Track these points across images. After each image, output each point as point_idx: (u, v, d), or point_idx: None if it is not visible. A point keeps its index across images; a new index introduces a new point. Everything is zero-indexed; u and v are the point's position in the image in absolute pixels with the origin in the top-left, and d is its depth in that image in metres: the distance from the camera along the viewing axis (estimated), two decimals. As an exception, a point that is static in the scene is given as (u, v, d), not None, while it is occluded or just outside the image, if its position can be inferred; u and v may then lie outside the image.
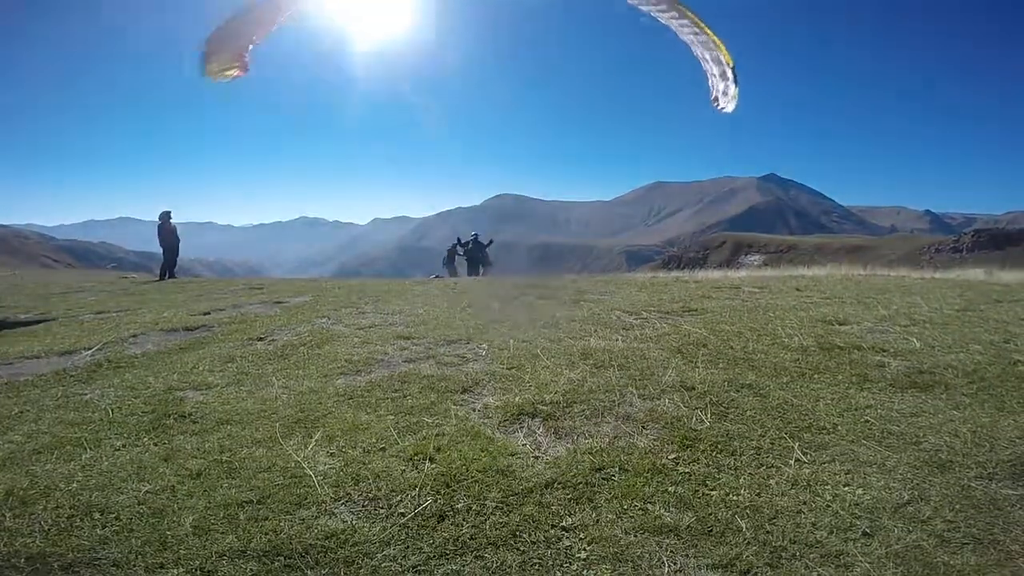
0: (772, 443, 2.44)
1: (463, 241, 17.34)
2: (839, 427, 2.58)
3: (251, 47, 3.19)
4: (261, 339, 4.42)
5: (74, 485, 2.18)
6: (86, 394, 3.20)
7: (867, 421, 2.64)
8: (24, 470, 2.31)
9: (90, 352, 4.15)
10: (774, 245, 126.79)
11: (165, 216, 14.93)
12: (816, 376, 3.25)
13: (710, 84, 4.70)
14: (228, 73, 3.08)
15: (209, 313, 5.80)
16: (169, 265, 14.38)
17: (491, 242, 17.16)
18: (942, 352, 3.62)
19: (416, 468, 2.26)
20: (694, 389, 3.03)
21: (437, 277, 14.89)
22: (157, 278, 14.37)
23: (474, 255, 16.97)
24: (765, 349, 3.76)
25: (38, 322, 5.65)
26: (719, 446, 2.42)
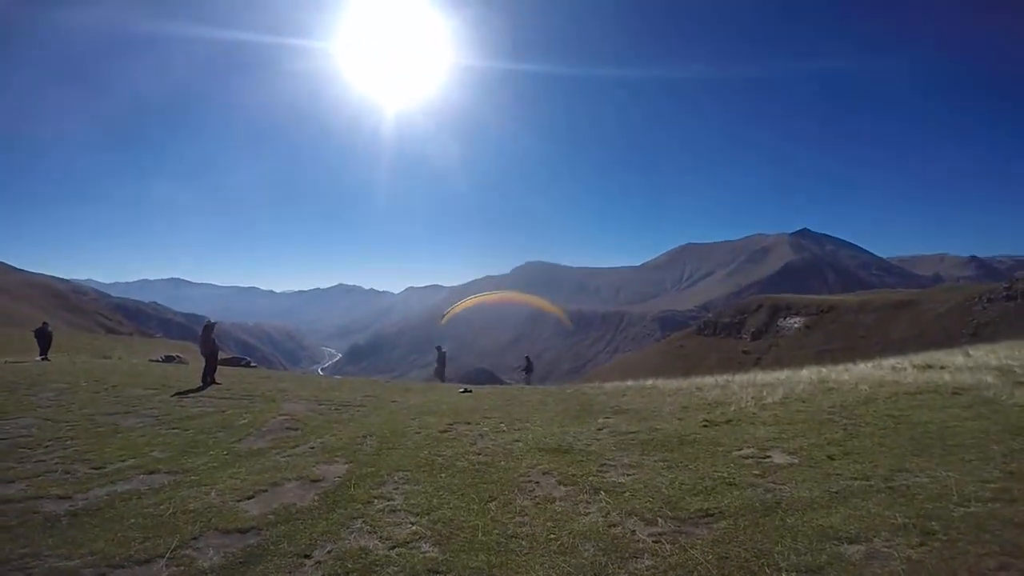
0: None
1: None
2: None
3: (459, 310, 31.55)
4: (308, 556, 4.72)
5: None
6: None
7: None
8: None
9: (164, 561, 4.57)
10: (814, 306, 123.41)
11: (208, 327, 16.03)
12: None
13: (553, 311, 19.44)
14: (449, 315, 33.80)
15: (253, 497, 6.12)
16: (209, 372, 15.23)
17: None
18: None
19: None
20: None
21: (466, 391, 15.18)
22: (200, 373, 15.53)
23: (443, 360, 24.29)
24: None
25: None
26: None
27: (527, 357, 27.06)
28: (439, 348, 24.96)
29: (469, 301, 21.99)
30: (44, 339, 22.08)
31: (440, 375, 24.46)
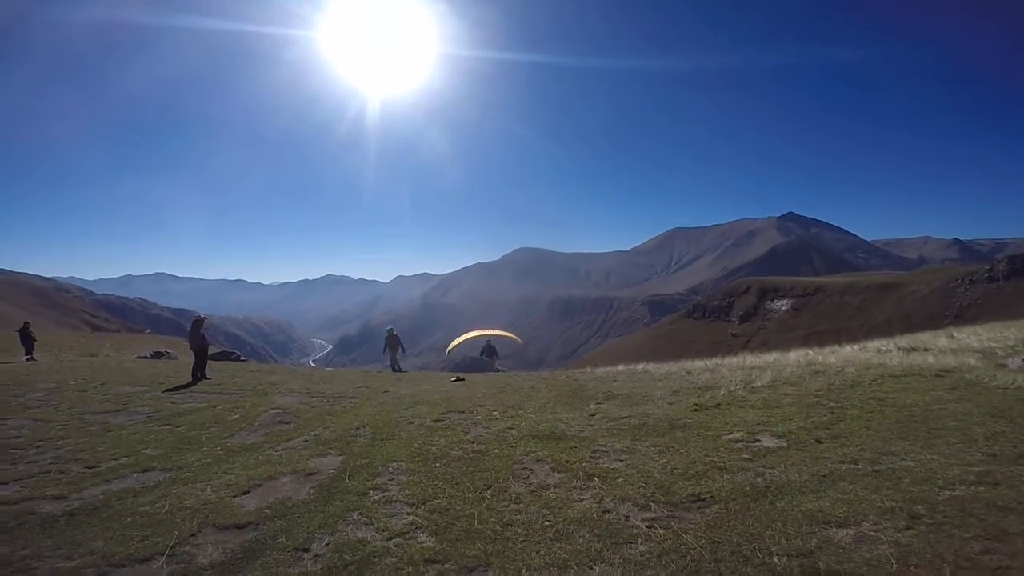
0: None
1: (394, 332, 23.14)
2: None
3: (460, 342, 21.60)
4: (306, 550, 4.77)
5: None
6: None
7: None
8: None
9: (163, 558, 4.62)
10: (800, 288, 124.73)
11: (197, 322, 15.96)
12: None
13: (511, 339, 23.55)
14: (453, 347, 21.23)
15: (248, 492, 6.17)
16: (200, 367, 15.19)
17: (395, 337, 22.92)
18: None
19: None
20: None
21: (459, 380, 15.22)
22: (190, 368, 15.57)
23: (394, 344, 22.31)
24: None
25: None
26: None
27: (488, 342, 24.53)
28: (390, 330, 23.03)
29: (470, 335, 22.17)
30: (27, 339, 21.84)
31: (391, 362, 22.43)
